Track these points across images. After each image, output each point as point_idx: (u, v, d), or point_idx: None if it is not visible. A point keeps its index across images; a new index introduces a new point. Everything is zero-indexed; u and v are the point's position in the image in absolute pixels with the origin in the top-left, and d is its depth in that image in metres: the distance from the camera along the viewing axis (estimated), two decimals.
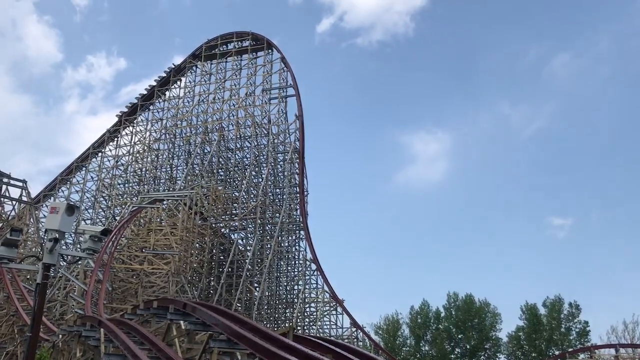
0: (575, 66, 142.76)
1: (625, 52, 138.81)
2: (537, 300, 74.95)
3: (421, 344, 76.17)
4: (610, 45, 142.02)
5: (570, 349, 63.75)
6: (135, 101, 68.83)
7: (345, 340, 51.04)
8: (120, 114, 68.58)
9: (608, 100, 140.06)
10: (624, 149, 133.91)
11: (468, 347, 74.02)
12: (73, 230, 57.51)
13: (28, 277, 50.09)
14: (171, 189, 59.43)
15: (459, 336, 74.77)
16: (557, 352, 65.92)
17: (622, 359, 51.71)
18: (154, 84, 68.44)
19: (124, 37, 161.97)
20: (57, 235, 11.80)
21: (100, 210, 64.67)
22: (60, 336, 29.21)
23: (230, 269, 53.74)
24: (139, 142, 66.96)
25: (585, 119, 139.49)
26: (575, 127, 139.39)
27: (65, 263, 47.64)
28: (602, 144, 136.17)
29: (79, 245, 52.55)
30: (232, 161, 62.79)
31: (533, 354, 70.73)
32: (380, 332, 77.58)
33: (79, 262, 44.00)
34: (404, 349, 76.78)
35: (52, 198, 68.05)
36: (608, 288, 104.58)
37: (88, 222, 63.92)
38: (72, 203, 12.81)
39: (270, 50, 65.78)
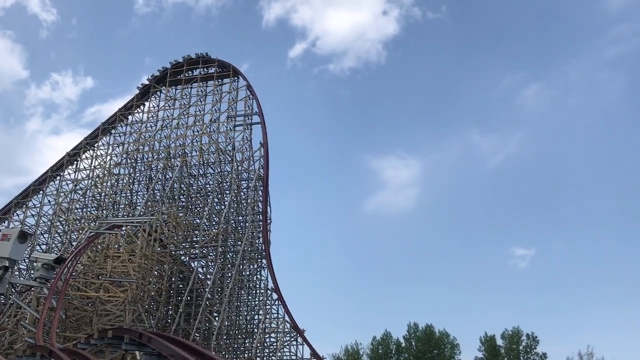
0: (546, 97, 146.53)
1: (593, 84, 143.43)
2: (497, 330, 75.66)
3: None
4: (580, 77, 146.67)
5: None
6: (99, 124, 68.03)
7: None
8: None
9: (575, 132, 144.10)
10: (588, 180, 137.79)
11: None
12: (26, 257, 55.91)
13: None
14: (131, 215, 58.24)
15: None
16: None
17: None
18: (117, 109, 67.87)
19: (92, 56, 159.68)
20: (7, 263, 11.42)
21: (57, 235, 62.85)
22: None
23: (189, 298, 52.69)
24: (99, 166, 65.77)
25: (552, 149, 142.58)
26: (541, 157, 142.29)
27: (15, 292, 46.17)
28: (568, 175, 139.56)
29: (32, 272, 50.88)
30: (194, 187, 62.05)
31: None
32: None
33: (32, 289, 42.59)
34: None
35: (6, 222, 65.97)
36: (565, 319, 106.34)
37: (44, 247, 62.12)
38: (25, 230, 12.44)
39: (236, 78, 65.83)
